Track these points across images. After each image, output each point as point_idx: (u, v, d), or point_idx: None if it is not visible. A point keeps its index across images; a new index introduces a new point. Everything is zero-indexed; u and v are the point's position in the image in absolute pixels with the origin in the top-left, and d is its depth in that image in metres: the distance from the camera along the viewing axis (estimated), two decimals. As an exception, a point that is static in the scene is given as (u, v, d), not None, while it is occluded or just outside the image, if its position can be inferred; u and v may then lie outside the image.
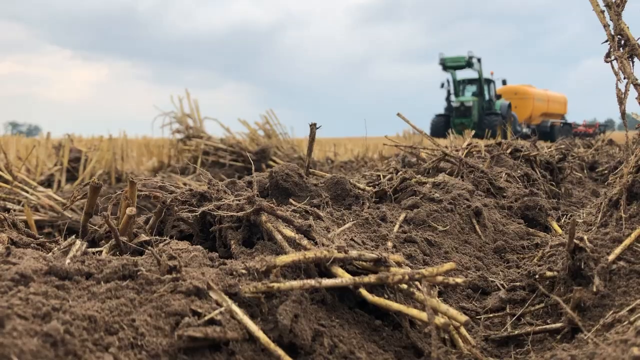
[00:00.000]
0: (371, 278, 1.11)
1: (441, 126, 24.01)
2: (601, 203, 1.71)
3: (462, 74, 27.18)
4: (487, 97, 25.98)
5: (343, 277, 1.12)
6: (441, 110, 26.49)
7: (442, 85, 26.02)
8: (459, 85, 26.59)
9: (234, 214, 1.40)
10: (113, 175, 4.41)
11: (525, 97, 27.63)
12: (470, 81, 25.86)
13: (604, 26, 1.52)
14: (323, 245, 1.27)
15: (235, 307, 0.94)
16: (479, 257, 2.01)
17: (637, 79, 1.48)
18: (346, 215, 1.95)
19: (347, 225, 1.68)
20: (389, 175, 2.63)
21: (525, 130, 26.42)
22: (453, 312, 1.11)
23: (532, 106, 27.24)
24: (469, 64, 24.42)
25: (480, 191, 2.71)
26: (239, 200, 1.46)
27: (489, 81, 26.26)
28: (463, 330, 1.24)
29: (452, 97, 25.44)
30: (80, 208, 3.07)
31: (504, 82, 26.66)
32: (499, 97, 26.71)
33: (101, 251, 1.35)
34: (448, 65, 24.75)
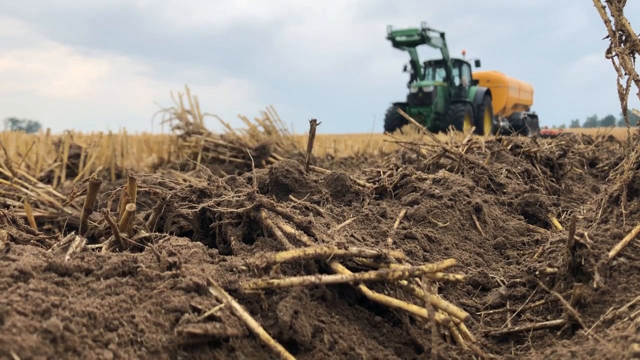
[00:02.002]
0: (371, 274, 1.11)
1: (397, 117, 20.26)
2: (601, 199, 1.71)
3: (427, 54, 24.99)
4: (457, 82, 21.96)
5: (343, 274, 1.12)
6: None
7: (405, 69, 21.72)
8: (427, 69, 22.34)
9: (234, 210, 1.40)
10: (113, 172, 4.41)
11: (500, 85, 23.62)
12: (438, 63, 21.80)
13: (605, 22, 1.51)
14: (323, 241, 1.27)
15: (235, 304, 0.94)
16: (479, 254, 2.01)
17: (638, 75, 1.48)
18: (346, 211, 1.94)
19: (347, 222, 1.67)
20: (389, 172, 2.63)
21: (502, 123, 23.17)
22: (453, 308, 1.11)
23: (507, 96, 23.48)
24: (423, 38, 19.93)
25: (480, 187, 2.71)
26: (239, 197, 1.46)
27: (460, 63, 22.16)
28: (463, 326, 1.24)
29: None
30: (80, 204, 3.07)
31: (478, 64, 22.40)
32: (475, 82, 22.83)
33: (101, 247, 1.35)
34: (398, 40, 20.26)
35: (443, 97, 20.94)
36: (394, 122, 19.94)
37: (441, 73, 21.87)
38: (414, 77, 21.74)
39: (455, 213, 2.18)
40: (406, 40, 20.33)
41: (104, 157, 4.50)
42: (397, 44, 20.41)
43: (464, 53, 22.82)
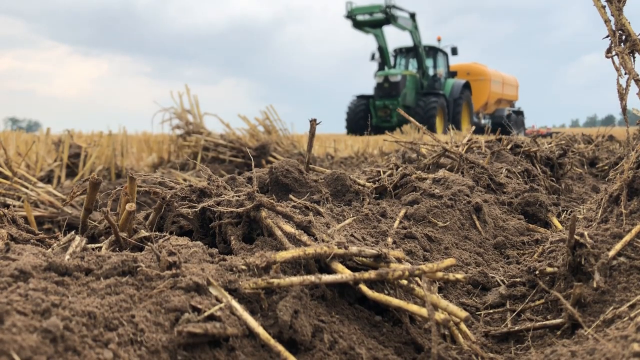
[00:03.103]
0: (371, 274, 1.11)
1: (361, 111, 18.07)
2: (601, 199, 1.71)
3: (397, 40, 22.33)
4: (431, 71, 19.15)
5: (343, 273, 1.12)
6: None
7: (373, 57, 18.84)
8: (397, 57, 19.44)
9: (234, 210, 1.40)
10: (113, 171, 4.41)
11: (481, 79, 20.81)
12: (410, 51, 18.91)
13: (605, 21, 1.51)
14: (323, 241, 1.27)
15: (235, 303, 0.94)
16: (479, 253, 2.01)
17: (638, 75, 1.48)
18: (346, 211, 1.94)
19: (347, 221, 1.67)
20: (389, 171, 2.63)
21: (484, 121, 20.75)
22: (453, 308, 1.11)
23: (489, 90, 20.70)
24: (388, 17, 16.83)
25: (480, 187, 2.71)
26: (239, 196, 1.46)
27: (435, 51, 19.36)
28: (463, 326, 1.24)
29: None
30: (80, 204, 3.07)
31: (454, 52, 19.62)
32: (453, 74, 20.08)
33: (101, 247, 1.35)
34: (360, 20, 17.07)
35: (413, 88, 18.20)
36: (357, 114, 17.87)
37: (414, 63, 19.11)
38: (382, 66, 18.87)
39: (455, 213, 2.18)
40: (369, 20, 17.13)
41: (103, 156, 4.50)
42: (358, 24, 17.21)
43: (439, 40, 20.07)
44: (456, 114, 18.77)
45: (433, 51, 19.56)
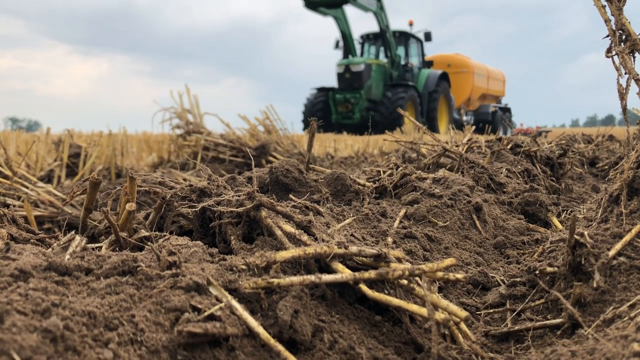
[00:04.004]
0: (371, 274, 1.11)
1: (320, 104, 15.69)
2: (601, 199, 1.71)
3: (364, 26, 18.54)
4: (401, 60, 16.75)
5: (343, 273, 1.12)
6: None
7: (337, 45, 16.37)
8: (364, 45, 16.94)
9: (234, 209, 1.40)
10: (113, 171, 4.41)
11: (463, 71, 18.78)
12: (379, 37, 16.43)
13: (605, 21, 1.51)
14: (323, 241, 1.27)
15: (235, 303, 0.94)
16: (479, 253, 2.01)
17: (638, 74, 1.48)
18: (346, 210, 1.94)
19: (347, 221, 1.67)
20: (389, 171, 2.63)
21: (465, 118, 18.65)
22: (453, 307, 1.11)
23: (472, 84, 18.63)
24: None
25: (480, 187, 2.71)
26: (239, 196, 1.46)
27: (406, 37, 16.88)
28: (463, 325, 1.24)
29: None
30: (80, 204, 3.07)
31: (428, 37, 17.13)
32: (428, 64, 17.74)
33: (101, 247, 1.35)
34: None
35: (381, 79, 15.74)
36: (315, 109, 15.58)
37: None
38: (347, 55, 16.23)
39: (455, 212, 2.18)
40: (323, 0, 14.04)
41: (104, 156, 4.50)
42: (311, 4, 14.03)
43: (411, 24, 17.63)
44: (431, 110, 16.69)
45: (404, 37, 16.95)
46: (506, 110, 21.39)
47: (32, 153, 4.02)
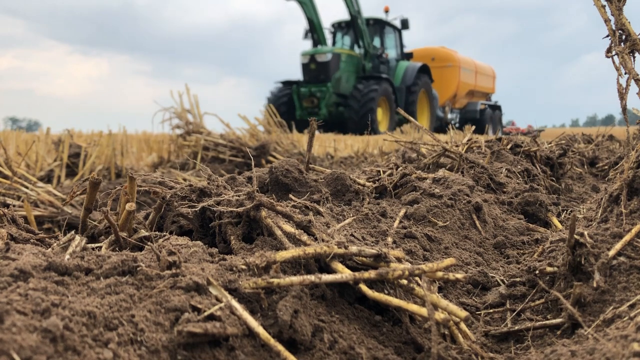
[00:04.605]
0: (371, 274, 1.11)
1: (284, 98, 14.22)
2: (601, 198, 1.71)
3: (333, 13, 16.24)
4: (376, 49, 15.21)
5: (343, 273, 1.12)
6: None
7: (306, 34, 14.78)
8: (336, 34, 15.44)
9: (234, 209, 1.40)
10: (113, 171, 4.41)
11: (449, 65, 17.31)
12: (350, 25, 14.83)
13: (605, 21, 1.51)
14: (323, 241, 1.27)
15: (235, 303, 0.94)
16: (479, 253, 2.01)
17: (638, 74, 1.48)
18: (346, 210, 1.94)
19: (347, 221, 1.67)
20: (389, 171, 2.63)
21: (450, 116, 17.17)
22: (453, 307, 1.11)
23: (458, 80, 17.23)
24: None
25: (480, 187, 2.71)
26: (239, 196, 1.46)
27: (381, 25, 15.40)
28: (463, 325, 1.24)
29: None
30: (80, 203, 3.07)
31: (405, 25, 15.69)
32: (407, 56, 16.26)
33: (101, 247, 1.35)
34: None
35: (352, 71, 14.31)
36: (279, 100, 14.19)
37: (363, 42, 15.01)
38: (316, 45, 14.73)
39: (455, 212, 2.18)
40: None
41: (103, 156, 4.50)
42: None
43: (387, 10, 15.88)
44: (410, 105, 15.22)
45: (379, 25, 15.35)
46: (496, 108, 19.73)
47: (32, 153, 4.02)
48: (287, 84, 14.70)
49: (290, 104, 14.35)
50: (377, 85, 13.93)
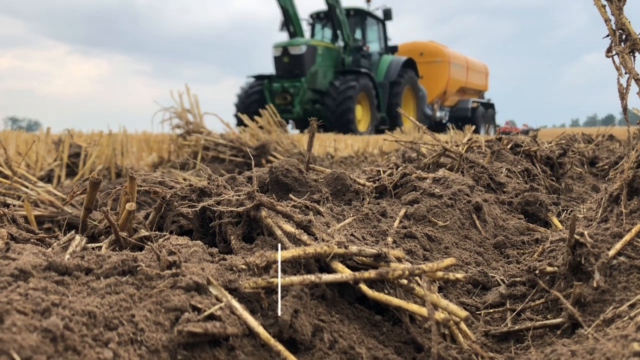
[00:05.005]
0: (371, 273, 1.11)
1: (255, 94, 13.10)
2: (601, 198, 1.71)
3: (311, 2, 13.66)
4: (357, 42, 14.21)
5: (343, 273, 1.12)
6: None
7: (282, 26, 13.76)
8: (315, 26, 14.34)
9: (234, 209, 1.40)
10: (113, 171, 4.41)
11: (438, 60, 16.35)
12: (328, 15, 13.72)
13: (605, 21, 1.51)
14: (323, 240, 1.27)
15: (235, 303, 0.94)
16: (479, 253, 2.01)
17: (638, 74, 1.48)
18: (346, 210, 1.94)
19: (347, 221, 1.67)
20: (389, 171, 2.63)
21: (439, 114, 16.22)
22: (453, 307, 1.11)
23: (448, 76, 16.29)
24: None
25: (480, 186, 2.71)
26: (239, 196, 1.46)
27: (362, 16, 14.41)
28: (463, 325, 1.24)
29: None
30: (80, 203, 3.07)
31: (387, 15, 14.74)
32: (392, 49, 15.22)
33: (101, 246, 1.35)
34: None
35: (330, 65, 13.21)
36: (250, 96, 13.10)
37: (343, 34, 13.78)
38: (292, 37, 13.72)
39: (455, 212, 2.18)
40: None
41: (103, 156, 4.50)
42: None
43: (368, 0, 14.92)
44: (393, 102, 14.38)
45: (360, 16, 14.33)
46: (489, 106, 18.75)
47: (32, 153, 4.02)
48: (260, 78, 13.45)
49: (262, 101, 13.04)
50: (356, 81, 12.85)
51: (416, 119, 15.03)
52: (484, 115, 17.41)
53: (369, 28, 14.65)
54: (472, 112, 16.78)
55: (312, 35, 14.47)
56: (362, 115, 13.62)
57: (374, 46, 15.05)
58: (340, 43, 14.16)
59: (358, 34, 14.59)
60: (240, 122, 12.79)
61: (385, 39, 15.31)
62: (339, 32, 13.85)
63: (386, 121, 14.34)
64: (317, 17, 14.36)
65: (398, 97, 14.51)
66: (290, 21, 13.40)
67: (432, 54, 16.32)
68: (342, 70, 13.44)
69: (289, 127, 5.63)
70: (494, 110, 18.82)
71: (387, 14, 14.83)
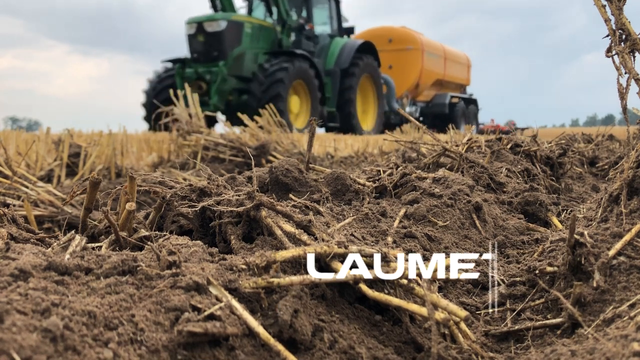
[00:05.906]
0: (371, 273, 1.11)
1: (168, 85, 10.27)
2: (601, 198, 1.71)
3: None
4: (296, 20, 11.45)
5: (343, 273, 1.12)
6: None
7: (213, 3, 11.30)
8: (252, 2, 11.77)
9: (234, 209, 1.40)
10: (113, 171, 4.41)
11: (409, 48, 14.08)
12: None
13: (605, 21, 1.51)
14: (323, 240, 1.27)
15: (235, 303, 0.94)
16: (479, 253, 2.01)
17: (638, 74, 1.48)
18: (346, 210, 1.94)
19: (347, 221, 1.67)
20: (389, 171, 2.63)
21: (408, 109, 13.92)
22: (453, 307, 1.11)
23: (421, 66, 14.14)
24: None
25: (480, 186, 2.71)
26: (239, 196, 1.46)
27: None
28: (463, 325, 1.24)
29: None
30: (80, 203, 3.07)
31: None
32: (347, 31, 12.76)
33: (101, 246, 1.34)
34: None
35: (261, 47, 10.70)
36: (162, 82, 10.71)
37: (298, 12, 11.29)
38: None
39: (455, 212, 2.18)
40: None
41: (103, 156, 4.50)
42: None
43: None
44: (346, 92, 12.10)
45: None
46: (471, 102, 16.68)
47: (32, 153, 4.02)
48: (176, 62, 10.83)
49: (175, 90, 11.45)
50: (289, 62, 10.23)
51: (377, 114, 12.87)
52: (465, 112, 15.50)
53: (316, 5, 11.95)
54: (451, 108, 14.87)
55: (250, 13, 11.72)
56: (299, 108, 11.33)
57: (324, 28, 12.52)
58: (274, 19, 11.46)
59: (305, 14, 11.97)
60: (148, 117, 10.45)
61: (339, 19, 12.74)
62: (272, 6, 11.13)
63: (336, 118, 12.14)
64: None
65: (352, 87, 12.14)
66: None
67: (402, 41, 14.10)
68: (272, 52, 10.94)
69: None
70: (476, 107, 16.92)
71: None
